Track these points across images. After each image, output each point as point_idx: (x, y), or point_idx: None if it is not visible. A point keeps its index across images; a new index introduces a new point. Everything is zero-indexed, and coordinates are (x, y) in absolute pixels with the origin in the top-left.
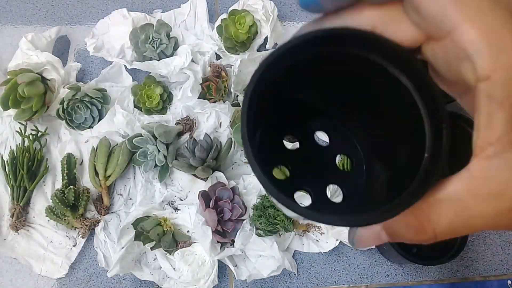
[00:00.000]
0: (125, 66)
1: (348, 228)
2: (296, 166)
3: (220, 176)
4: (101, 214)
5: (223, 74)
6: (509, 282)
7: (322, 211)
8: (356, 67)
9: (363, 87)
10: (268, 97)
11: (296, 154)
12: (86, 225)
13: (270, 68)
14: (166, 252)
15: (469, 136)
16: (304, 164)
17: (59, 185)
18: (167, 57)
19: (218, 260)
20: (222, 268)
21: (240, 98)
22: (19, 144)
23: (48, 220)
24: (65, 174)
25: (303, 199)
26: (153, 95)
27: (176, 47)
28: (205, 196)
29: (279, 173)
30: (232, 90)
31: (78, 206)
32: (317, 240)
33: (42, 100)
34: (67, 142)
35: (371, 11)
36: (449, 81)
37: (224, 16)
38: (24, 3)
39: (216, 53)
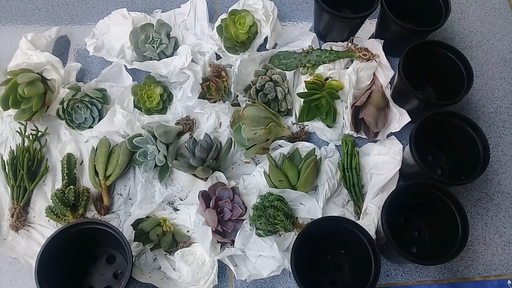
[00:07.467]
0: (125, 66)
1: None
2: None
3: (220, 176)
4: (101, 214)
5: (223, 74)
6: (509, 282)
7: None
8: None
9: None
10: None
11: None
12: None
13: None
14: (166, 253)
15: (469, 135)
16: None
17: (59, 185)
18: (167, 57)
19: (218, 260)
20: (222, 268)
21: (240, 98)
22: (19, 144)
23: (48, 220)
24: (65, 174)
25: None
26: (153, 95)
27: (176, 47)
28: (205, 196)
29: None
30: (232, 90)
31: (78, 206)
32: None
33: (42, 100)
34: (67, 142)
35: None
36: None
37: (224, 16)
38: (24, 3)
39: (216, 53)
